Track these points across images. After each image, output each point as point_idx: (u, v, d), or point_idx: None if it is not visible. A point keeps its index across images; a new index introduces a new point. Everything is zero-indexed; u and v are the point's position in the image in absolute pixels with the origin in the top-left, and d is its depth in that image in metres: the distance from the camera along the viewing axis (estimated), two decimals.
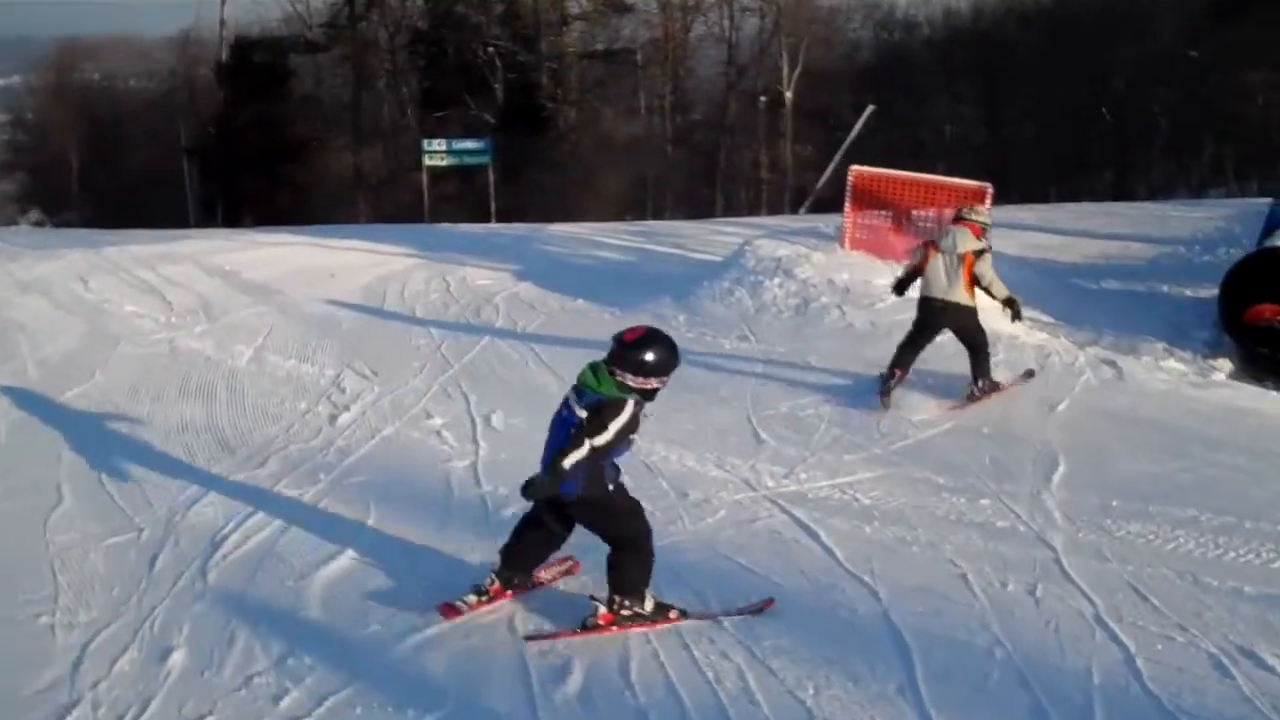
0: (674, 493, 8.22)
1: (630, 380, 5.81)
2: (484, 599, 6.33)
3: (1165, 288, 16.34)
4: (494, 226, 28.12)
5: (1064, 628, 5.94)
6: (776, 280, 14.16)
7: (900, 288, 10.88)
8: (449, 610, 6.25)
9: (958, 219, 10.66)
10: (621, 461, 6.12)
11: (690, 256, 19.79)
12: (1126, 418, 9.72)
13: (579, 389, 5.93)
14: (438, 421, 10.19)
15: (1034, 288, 13.44)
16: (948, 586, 6.50)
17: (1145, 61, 41.11)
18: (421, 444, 9.62)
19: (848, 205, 15.56)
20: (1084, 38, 43.21)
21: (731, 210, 40.96)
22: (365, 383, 11.58)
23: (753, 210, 40.57)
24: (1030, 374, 10.99)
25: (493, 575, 6.39)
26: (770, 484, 8.35)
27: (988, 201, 14.80)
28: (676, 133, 43.26)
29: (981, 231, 10.52)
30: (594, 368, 5.91)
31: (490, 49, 41.16)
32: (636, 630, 6.08)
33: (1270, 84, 37.84)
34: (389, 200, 39.44)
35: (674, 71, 43.21)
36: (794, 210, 38.04)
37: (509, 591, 6.41)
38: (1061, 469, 8.49)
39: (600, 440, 5.75)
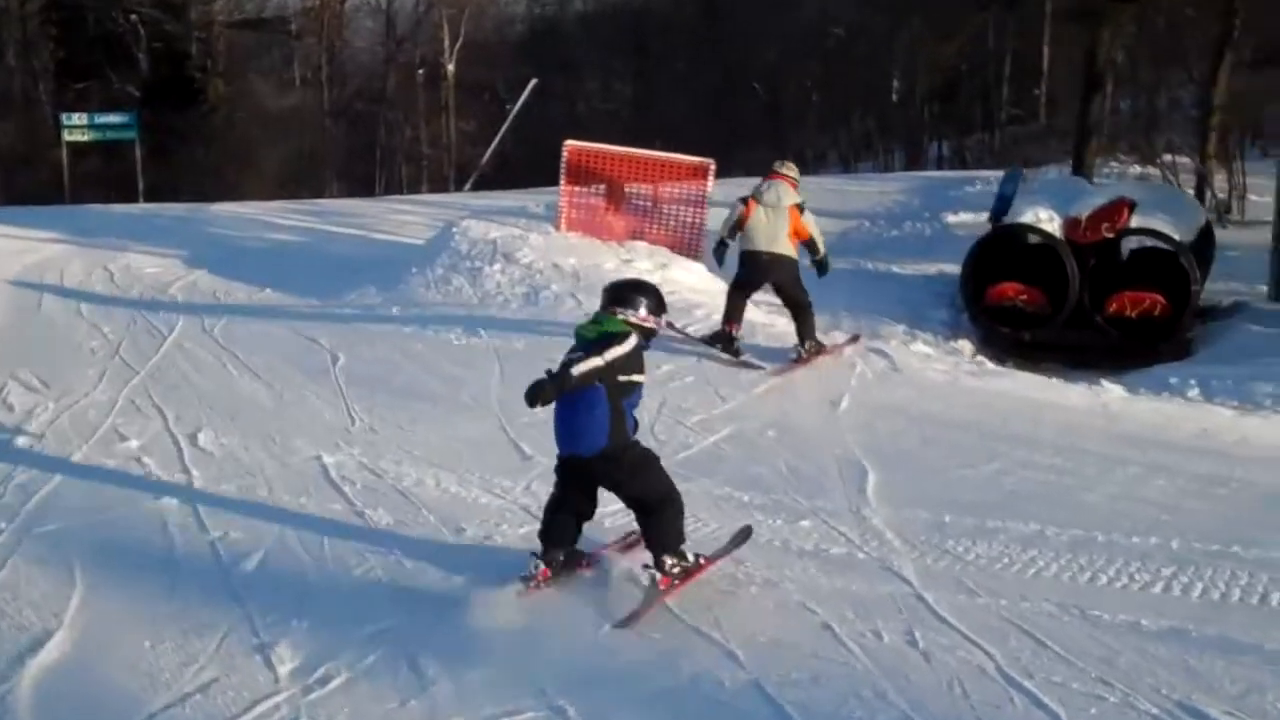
0: (446, 529, 6.94)
1: (633, 317, 5.82)
2: (533, 584, 5.89)
3: (869, 264, 16.18)
4: (150, 206, 25.49)
5: (973, 691, 4.94)
6: (497, 266, 12.92)
7: (721, 249, 10.81)
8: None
9: (774, 174, 10.63)
10: None
11: (376, 238, 18.41)
12: (917, 414, 9.08)
13: (578, 345, 5.77)
14: (134, 444, 8.51)
15: None
16: (813, 641, 5.42)
17: (794, 35, 41.82)
18: (120, 474, 7.91)
19: (563, 183, 14.44)
20: (735, 11, 43.69)
21: (393, 187, 39.26)
22: (36, 397, 9.70)
23: (413, 187, 38.95)
24: (856, 338, 11.01)
25: (536, 559, 5.95)
26: None
27: (710, 178, 14.25)
28: (334, 106, 40.98)
29: (796, 185, 10.55)
30: (593, 318, 5.89)
31: (133, 17, 37.93)
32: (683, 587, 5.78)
33: (908, 59, 39.19)
34: (25, 179, 35.76)
35: (330, 42, 40.90)
36: (458, 187, 36.74)
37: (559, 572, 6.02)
38: (872, 478, 7.68)
39: (610, 354, 5.60)
